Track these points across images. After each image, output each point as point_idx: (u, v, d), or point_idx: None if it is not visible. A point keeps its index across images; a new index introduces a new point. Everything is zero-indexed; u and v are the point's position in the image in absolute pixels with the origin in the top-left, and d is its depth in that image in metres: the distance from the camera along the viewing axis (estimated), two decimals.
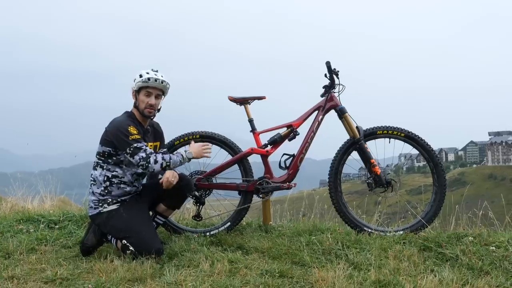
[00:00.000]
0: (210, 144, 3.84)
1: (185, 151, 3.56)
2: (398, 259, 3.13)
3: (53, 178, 6.67)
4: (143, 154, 3.31)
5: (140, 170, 3.45)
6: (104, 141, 3.43)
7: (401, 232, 3.73)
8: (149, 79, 3.45)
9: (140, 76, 3.46)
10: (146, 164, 3.31)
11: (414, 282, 2.68)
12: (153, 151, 3.39)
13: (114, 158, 3.43)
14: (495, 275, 2.85)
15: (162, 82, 3.49)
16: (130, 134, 3.33)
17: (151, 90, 3.48)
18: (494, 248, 3.25)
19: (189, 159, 3.53)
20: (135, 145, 3.31)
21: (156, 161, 3.32)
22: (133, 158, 3.32)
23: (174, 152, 3.53)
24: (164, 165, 3.35)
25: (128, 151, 3.32)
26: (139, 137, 3.37)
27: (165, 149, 3.73)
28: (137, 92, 3.50)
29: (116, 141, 3.35)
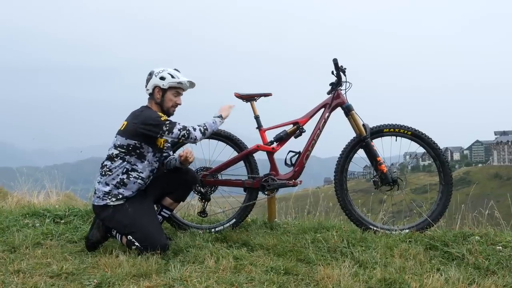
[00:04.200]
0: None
1: (214, 116, 3.69)
2: (404, 257, 3.11)
3: (58, 173, 6.70)
4: (180, 126, 3.40)
5: (152, 166, 3.47)
6: (130, 134, 3.39)
7: (407, 231, 3.71)
8: (182, 82, 3.53)
9: (172, 76, 3.51)
10: (187, 133, 3.40)
11: (420, 281, 2.66)
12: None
13: (138, 151, 3.41)
14: (501, 274, 2.82)
15: (191, 85, 3.63)
16: (161, 117, 3.40)
17: (181, 90, 3.59)
18: (500, 247, 3.22)
19: (221, 118, 3.65)
20: (168, 122, 3.39)
21: (194, 129, 3.44)
22: (172, 133, 3.37)
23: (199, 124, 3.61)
24: (202, 130, 3.48)
25: (164, 128, 3.35)
26: (168, 118, 3.45)
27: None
28: (164, 90, 3.52)
29: (151, 127, 3.35)
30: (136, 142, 3.40)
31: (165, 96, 3.53)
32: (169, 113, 3.57)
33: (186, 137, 3.41)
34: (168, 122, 3.38)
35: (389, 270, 2.83)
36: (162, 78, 3.51)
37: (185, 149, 3.51)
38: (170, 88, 3.53)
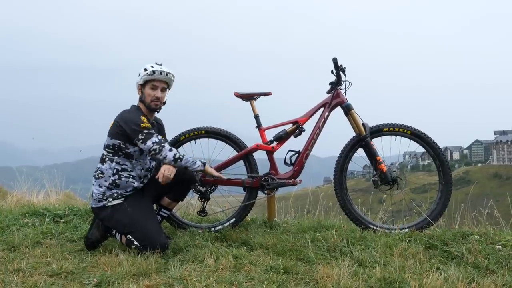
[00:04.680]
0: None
1: (201, 160, 3.55)
2: (403, 256, 3.12)
3: (58, 173, 6.70)
4: (156, 139, 3.34)
5: (146, 164, 3.42)
6: (114, 133, 3.41)
7: (406, 230, 3.71)
8: (154, 72, 3.45)
9: (145, 70, 3.46)
10: (160, 148, 3.32)
11: (420, 280, 2.67)
12: (165, 140, 3.42)
13: (124, 151, 3.42)
14: (501, 274, 2.83)
15: (167, 75, 3.50)
16: (142, 122, 3.36)
17: (157, 83, 3.49)
18: (500, 247, 3.23)
19: (202, 166, 3.49)
20: (146, 131, 3.34)
21: (171, 149, 3.36)
22: (145, 144, 3.33)
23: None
24: (177, 156, 3.36)
25: (140, 137, 3.32)
26: (150, 126, 3.40)
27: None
28: (142, 86, 3.50)
29: (129, 130, 3.34)
30: (120, 142, 3.40)
31: (144, 92, 3.50)
32: (151, 108, 3.51)
33: (156, 153, 3.33)
34: (146, 132, 3.33)
35: (389, 269, 2.84)
36: (139, 75, 3.50)
37: (161, 171, 3.36)
38: (146, 82, 3.48)
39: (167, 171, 3.35)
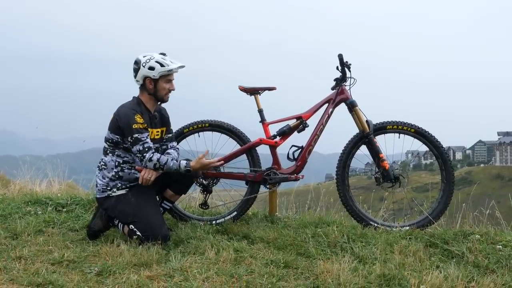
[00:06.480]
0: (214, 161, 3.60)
1: (186, 160, 3.47)
2: (404, 254, 3.12)
3: (60, 162, 6.72)
4: (140, 147, 3.32)
5: (138, 160, 3.42)
6: (113, 128, 3.41)
7: (407, 228, 3.71)
8: (173, 69, 3.43)
9: (162, 65, 3.40)
10: (141, 157, 3.34)
11: (419, 277, 2.67)
12: (152, 148, 3.38)
13: (122, 146, 3.43)
14: (501, 273, 2.83)
15: (182, 67, 3.51)
16: (135, 123, 3.33)
17: (171, 76, 3.50)
18: (500, 247, 3.22)
19: (186, 170, 3.40)
20: (135, 135, 3.32)
21: (151, 159, 3.32)
22: (132, 148, 3.35)
23: (174, 157, 3.51)
24: (157, 166, 3.34)
25: (129, 139, 3.34)
26: (143, 126, 3.37)
27: (170, 134, 3.73)
28: (155, 80, 3.43)
29: (123, 128, 3.35)
30: (118, 137, 3.41)
31: (157, 86, 3.45)
32: (164, 101, 3.54)
33: (139, 160, 3.36)
34: (135, 136, 3.32)
35: (389, 266, 2.84)
36: (151, 68, 3.40)
37: (141, 174, 3.38)
38: (162, 77, 3.43)
39: (147, 174, 3.36)
